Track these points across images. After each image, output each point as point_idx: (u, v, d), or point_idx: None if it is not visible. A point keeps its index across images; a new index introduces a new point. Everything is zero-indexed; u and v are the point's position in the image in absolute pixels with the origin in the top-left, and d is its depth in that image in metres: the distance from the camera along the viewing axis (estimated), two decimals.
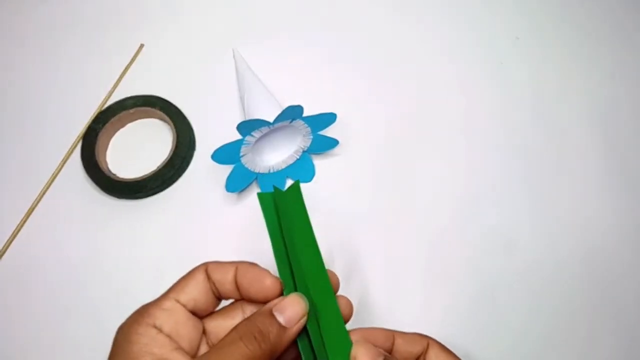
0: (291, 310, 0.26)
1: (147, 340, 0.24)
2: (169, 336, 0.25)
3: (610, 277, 0.40)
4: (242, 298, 0.28)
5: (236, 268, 0.27)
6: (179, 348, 0.25)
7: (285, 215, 0.29)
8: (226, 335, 0.25)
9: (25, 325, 0.40)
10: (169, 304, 0.26)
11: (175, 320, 0.25)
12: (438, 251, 0.41)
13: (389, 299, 0.39)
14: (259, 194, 0.30)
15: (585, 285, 0.40)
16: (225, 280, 0.27)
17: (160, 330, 0.25)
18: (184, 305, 0.26)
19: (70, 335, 0.39)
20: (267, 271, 0.28)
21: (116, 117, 0.47)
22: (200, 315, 0.27)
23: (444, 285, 0.40)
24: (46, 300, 0.41)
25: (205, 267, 0.27)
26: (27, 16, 0.56)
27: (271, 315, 0.26)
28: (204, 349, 0.27)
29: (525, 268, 0.41)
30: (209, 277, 0.27)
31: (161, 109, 0.47)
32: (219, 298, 0.28)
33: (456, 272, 0.41)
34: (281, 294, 0.28)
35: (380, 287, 0.40)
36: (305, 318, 0.26)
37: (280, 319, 0.26)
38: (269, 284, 0.27)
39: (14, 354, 0.39)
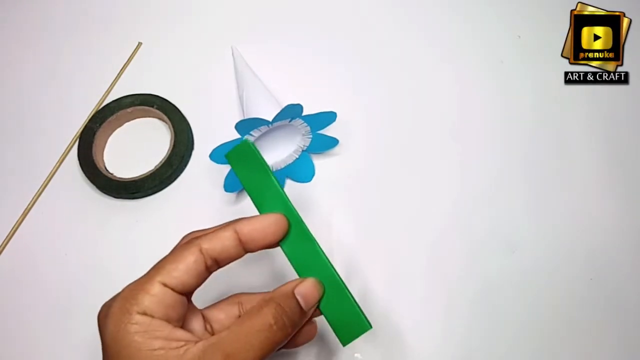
0: (311, 295, 0.27)
1: (145, 327, 0.24)
2: (161, 319, 0.25)
3: (611, 277, 0.40)
4: (246, 252, 0.28)
5: (234, 230, 0.27)
6: (177, 326, 0.25)
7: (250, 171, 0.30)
8: (255, 316, 0.25)
9: (21, 325, 0.40)
10: (156, 289, 0.25)
11: (165, 305, 0.25)
12: (438, 250, 0.41)
13: (389, 299, 0.39)
14: (226, 155, 0.30)
15: (585, 285, 0.40)
16: (229, 246, 0.27)
17: (152, 316, 0.25)
18: (172, 289, 0.26)
19: (67, 335, 0.39)
20: (262, 215, 0.28)
21: (114, 116, 0.47)
22: (186, 292, 0.27)
23: (444, 285, 0.40)
24: (43, 300, 0.41)
25: (199, 247, 0.27)
26: (24, 15, 0.55)
27: (295, 297, 0.27)
28: (197, 326, 0.28)
29: (526, 268, 0.40)
30: (204, 253, 0.26)
31: (159, 108, 0.47)
32: (209, 271, 0.27)
33: (457, 271, 0.40)
34: (287, 222, 0.28)
35: (380, 287, 0.40)
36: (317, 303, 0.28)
37: (302, 302, 0.27)
38: (278, 219, 0.28)
39: (12, 353, 0.39)
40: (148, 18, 0.54)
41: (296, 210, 0.29)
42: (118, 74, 0.51)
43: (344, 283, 0.28)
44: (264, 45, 0.51)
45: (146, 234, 0.42)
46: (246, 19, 0.54)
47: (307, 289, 0.27)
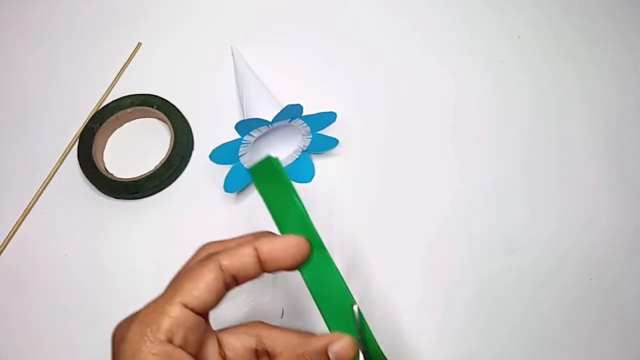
0: (345, 356, 0.26)
1: (166, 358, 0.23)
2: (182, 347, 0.24)
3: (610, 277, 0.40)
4: (264, 272, 0.27)
5: (254, 247, 0.26)
6: (195, 354, 0.24)
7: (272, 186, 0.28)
8: None
9: (22, 325, 0.40)
10: (177, 310, 0.24)
11: (185, 328, 0.24)
12: (438, 250, 0.41)
13: (389, 299, 0.39)
14: (250, 169, 0.29)
15: (585, 285, 0.40)
16: (248, 264, 0.26)
17: (173, 344, 0.23)
18: (192, 309, 0.24)
19: (67, 335, 0.39)
20: (284, 236, 0.27)
21: (114, 117, 0.47)
22: (205, 313, 0.26)
23: (444, 285, 0.40)
24: (43, 300, 0.40)
25: (218, 264, 0.25)
26: (24, 15, 0.55)
27: (327, 355, 0.25)
28: (212, 351, 0.26)
29: (525, 268, 0.40)
30: (223, 270, 0.25)
31: (159, 108, 0.47)
32: (227, 288, 0.26)
33: (456, 271, 0.40)
34: (309, 247, 0.27)
35: (380, 287, 0.40)
36: None
37: None
38: (300, 242, 0.26)
39: (12, 354, 0.39)
40: (148, 18, 0.54)
41: (319, 235, 0.27)
42: (118, 74, 0.51)
43: (364, 319, 0.27)
44: (264, 45, 0.51)
45: (146, 234, 0.42)
46: (246, 19, 0.54)
47: (342, 350, 0.25)
